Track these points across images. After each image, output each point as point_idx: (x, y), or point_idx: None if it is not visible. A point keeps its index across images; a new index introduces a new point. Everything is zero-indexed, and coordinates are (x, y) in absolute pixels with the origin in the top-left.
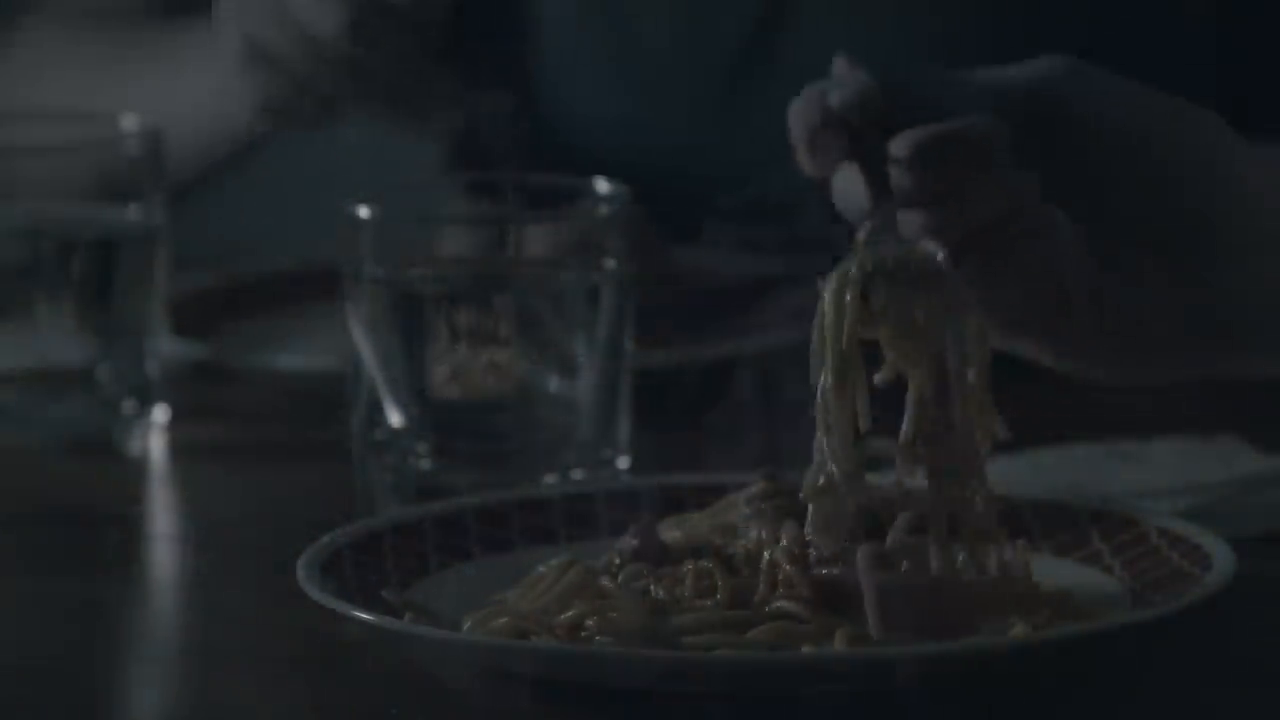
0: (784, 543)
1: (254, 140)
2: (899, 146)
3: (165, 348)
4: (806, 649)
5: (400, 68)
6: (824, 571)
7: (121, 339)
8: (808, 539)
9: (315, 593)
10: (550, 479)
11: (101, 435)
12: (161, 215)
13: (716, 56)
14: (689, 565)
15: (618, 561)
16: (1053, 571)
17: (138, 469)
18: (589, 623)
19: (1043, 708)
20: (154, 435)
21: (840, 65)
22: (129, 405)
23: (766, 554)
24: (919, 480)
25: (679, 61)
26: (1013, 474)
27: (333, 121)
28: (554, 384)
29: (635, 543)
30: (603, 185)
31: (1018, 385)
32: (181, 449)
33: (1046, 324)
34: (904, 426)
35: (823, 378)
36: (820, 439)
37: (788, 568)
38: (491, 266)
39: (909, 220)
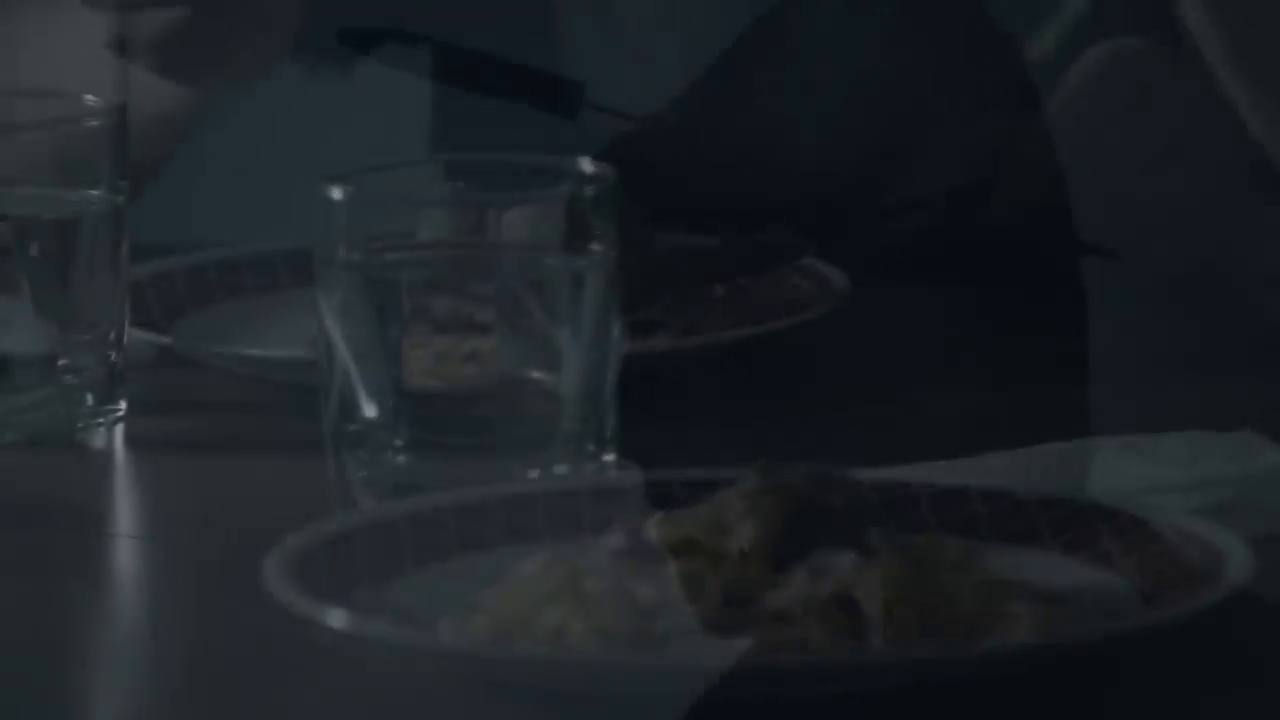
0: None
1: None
2: None
3: (128, 337)
4: (800, 653)
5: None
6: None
7: (83, 328)
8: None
9: (285, 594)
10: (533, 474)
11: (62, 428)
12: (126, 197)
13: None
14: (678, 565)
15: (604, 561)
16: (1061, 571)
17: (100, 463)
18: (573, 625)
19: (1045, 709)
20: (117, 428)
21: None
22: (91, 397)
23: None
24: None
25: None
26: (1019, 469)
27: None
28: (537, 374)
29: (622, 541)
30: (587, 165)
31: (1020, 382)
32: (146, 442)
33: None
34: None
35: None
36: None
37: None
38: (471, 251)
39: None
